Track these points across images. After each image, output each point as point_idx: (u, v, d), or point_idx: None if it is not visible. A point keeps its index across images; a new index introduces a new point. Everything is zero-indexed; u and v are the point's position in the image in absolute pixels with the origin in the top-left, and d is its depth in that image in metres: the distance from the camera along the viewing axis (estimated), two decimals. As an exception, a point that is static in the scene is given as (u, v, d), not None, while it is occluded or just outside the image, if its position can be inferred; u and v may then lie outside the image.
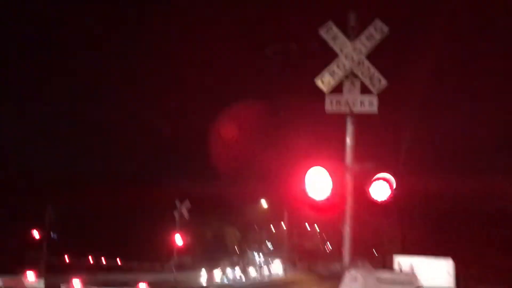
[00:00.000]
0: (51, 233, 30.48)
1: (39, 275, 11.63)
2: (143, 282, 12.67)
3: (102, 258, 38.73)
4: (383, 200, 6.91)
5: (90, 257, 37.75)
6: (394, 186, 6.80)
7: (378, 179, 6.84)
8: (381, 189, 6.82)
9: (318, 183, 6.39)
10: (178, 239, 26.67)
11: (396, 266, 6.37)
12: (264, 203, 64.04)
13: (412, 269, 6.32)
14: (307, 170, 6.37)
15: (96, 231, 37.59)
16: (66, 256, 37.87)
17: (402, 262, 6.38)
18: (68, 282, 8.28)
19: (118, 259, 39.87)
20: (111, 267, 32.80)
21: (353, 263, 6.42)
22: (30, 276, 11.07)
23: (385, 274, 6.14)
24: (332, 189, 6.44)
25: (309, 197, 6.52)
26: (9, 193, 35.64)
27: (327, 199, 6.55)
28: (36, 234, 30.62)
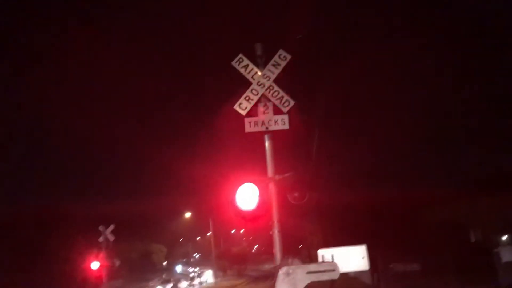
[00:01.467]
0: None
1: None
2: None
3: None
4: (300, 202, 7.99)
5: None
6: (308, 190, 7.91)
7: (295, 185, 7.90)
8: (297, 194, 7.91)
9: (246, 196, 7.28)
10: (107, 264, 26.27)
11: (320, 258, 7.33)
12: (187, 215, 64.17)
13: (333, 259, 7.37)
14: (237, 186, 7.24)
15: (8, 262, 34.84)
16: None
17: (325, 253, 7.34)
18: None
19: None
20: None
21: (284, 261, 7.33)
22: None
23: (311, 266, 7.10)
24: (259, 200, 7.37)
25: (240, 209, 7.39)
26: None
27: (255, 210, 7.47)
28: None
